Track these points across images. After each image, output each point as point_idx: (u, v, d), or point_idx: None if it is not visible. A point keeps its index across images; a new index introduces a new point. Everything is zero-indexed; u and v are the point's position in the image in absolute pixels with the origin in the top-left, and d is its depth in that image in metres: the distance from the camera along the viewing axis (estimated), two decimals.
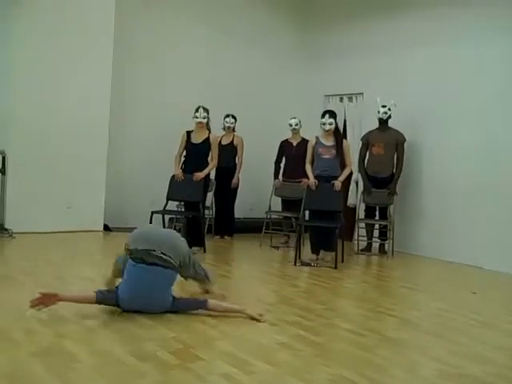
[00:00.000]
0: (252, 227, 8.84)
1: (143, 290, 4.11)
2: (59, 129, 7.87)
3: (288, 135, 8.59)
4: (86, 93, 8.03)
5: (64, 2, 7.87)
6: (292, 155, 8.39)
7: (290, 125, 8.48)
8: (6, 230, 7.38)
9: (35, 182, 7.71)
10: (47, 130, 7.79)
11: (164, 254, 4.21)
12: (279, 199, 8.62)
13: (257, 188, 9.35)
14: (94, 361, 3.27)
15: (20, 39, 7.65)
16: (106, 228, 8.42)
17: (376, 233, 8.31)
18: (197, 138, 7.50)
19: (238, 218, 8.96)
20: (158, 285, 4.16)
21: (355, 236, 8.28)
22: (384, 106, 7.98)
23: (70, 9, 7.90)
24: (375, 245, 8.25)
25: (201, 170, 7.31)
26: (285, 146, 8.57)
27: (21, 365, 3.14)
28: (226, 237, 8.67)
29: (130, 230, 8.09)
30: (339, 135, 7.35)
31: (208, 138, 7.48)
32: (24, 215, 7.59)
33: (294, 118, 8.52)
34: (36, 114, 7.69)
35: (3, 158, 7.60)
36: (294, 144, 8.46)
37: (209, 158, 7.50)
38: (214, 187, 8.48)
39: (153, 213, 6.98)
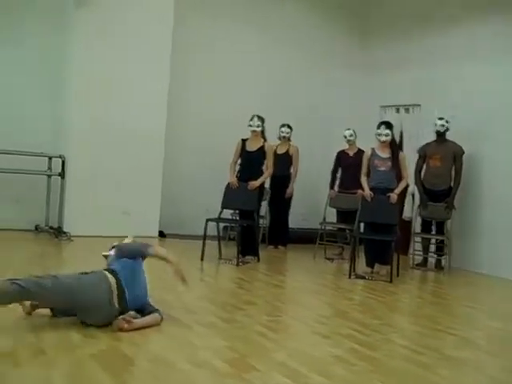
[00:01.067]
0: (306, 238, 8.77)
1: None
2: (118, 136, 8.01)
3: (344, 146, 8.52)
4: (144, 102, 8.16)
5: (123, 14, 8.03)
6: (349, 165, 8.30)
7: (345, 136, 8.42)
8: (65, 232, 7.55)
9: (93, 186, 7.86)
10: (106, 138, 7.94)
11: None
12: (334, 210, 8.54)
13: (311, 198, 9.29)
14: (148, 365, 3.29)
15: (81, 51, 7.87)
16: (161, 234, 8.51)
17: (432, 247, 8.13)
18: (251, 146, 7.52)
19: (292, 228, 8.91)
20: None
21: (411, 250, 8.13)
22: (441, 119, 7.83)
23: (130, 21, 8.07)
24: (431, 260, 8.08)
25: (256, 179, 7.31)
26: (341, 157, 8.50)
27: (80, 366, 3.19)
28: (279, 247, 8.64)
29: (185, 236, 8.31)
30: (395, 147, 7.24)
31: (263, 147, 7.49)
32: (81, 219, 7.74)
33: (349, 129, 8.45)
34: (96, 121, 7.85)
35: (63, 162, 7.79)
36: (351, 154, 8.39)
37: (264, 167, 7.50)
38: (268, 196, 8.47)
39: (207, 220, 7.02)
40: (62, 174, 7.82)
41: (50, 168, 7.87)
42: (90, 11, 7.81)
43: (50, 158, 7.84)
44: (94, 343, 3.56)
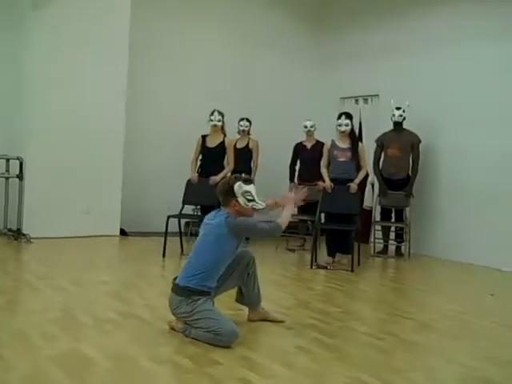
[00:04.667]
0: None
1: None
2: (75, 135, 7.91)
3: (303, 138, 8.56)
4: (102, 101, 8.06)
5: (79, 13, 7.91)
6: (307, 158, 8.35)
7: (305, 126, 8.44)
8: (24, 235, 7.44)
9: (52, 187, 7.75)
10: (63, 137, 7.83)
11: None
12: None
13: (272, 191, 9.29)
14: (110, 364, 3.28)
15: (37, 49, 7.73)
16: (123, 232, 8.46)
17: (392, 235, 8.26)
18: (212, 142, 7.53)
19: None
20: None
21: (371, 238, 8.25)
22: (398, 109, 7.94)
23: (86, 20, 7.93)
24: (391, 247, 8.21)
25: (217, 174, 7.32)
26: (299, 149, 8.54)
27: (40, 368, 3.17)
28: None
29: (147, 234, 8.27)
30: (355, 137, 7.34)
31: (223, 142, 7.51)
32: (41, 220, 7.64)
33: (309, 120, 8.50)
34: (52, 120, 7.74)
35: (21, 164, 7.67)
36: (309, 147, 8.43)
37: (225, 162, 7.50)
38: None
39: (169, 217, 7.00)
40: (20, 176, 7.69)
41: (7, 170, 7.73)
42: (45, 11, 7.68)
43: (8, 160, 7.71)
44: (53, 345, 3.54)
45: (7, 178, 7.74)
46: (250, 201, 3.95)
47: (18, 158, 7.67)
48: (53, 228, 7.64)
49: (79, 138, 7.93)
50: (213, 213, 4.12)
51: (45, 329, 3.84)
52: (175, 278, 3.97)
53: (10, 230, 7.69)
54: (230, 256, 3.99)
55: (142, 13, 8.56)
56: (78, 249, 7.24)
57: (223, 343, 3.64)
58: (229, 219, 3.91)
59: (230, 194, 3.97)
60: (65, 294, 4.88)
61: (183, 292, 3.82)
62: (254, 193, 3.97)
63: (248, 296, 4.24)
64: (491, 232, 7.54)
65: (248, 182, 4.01)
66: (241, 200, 3.95)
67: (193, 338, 3.74)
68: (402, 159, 7.96)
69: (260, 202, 3.97)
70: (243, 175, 4.21)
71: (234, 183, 3.97)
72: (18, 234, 7.50)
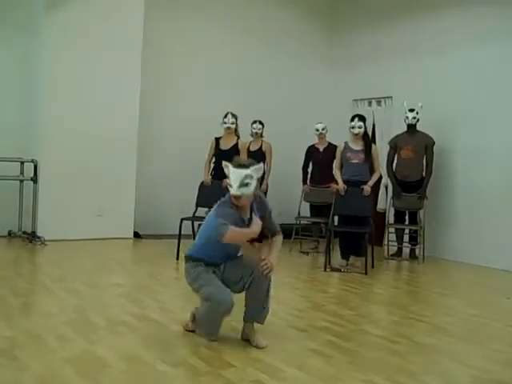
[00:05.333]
0: (281, 233, 8.78)
1: None
2: (90, 139, 7.94)
3: (315, 140, 8.55)
4: (116, 103, 8.11)
5: (91, 15, 7.96)
6: (319, 160, 8.34)
7: (317, 129, 8.44)
8: (38, 237, 7.48)
9: (66, 190, 7.79)
10: (77, 139, 7.87)
11: None
12: (308, 205, 8.59)
13: (286, 193, 9.32)
14: (124, 366, 3.29)
15: (51, 51, 7.78)
16: (137, 235, 8.48)
17: (406, 238, 8.21)
18: (225, 145, 7.53)
19: None
20: None
21: (385, 241, 8.20)
22: (412, 110, 7.89)
23: (100, 22, 7.99)
24: (405, 250, 8.16)
25: None
26: (311, 152, 8.53)
27: (54, 369, 3.18)
28: (255, 242, 8.65)
29: (160, 236, 8.29)
30: (368, 139, 7.32)
31: (236, 144, 7.52)
32: (55, 223, 7.68)
33: (321, 122, 8.48)
34: (67, 124, 7.77)
35: (35, 167, 7.72)
36: (321, 149, 8.41)
37: None
38: None
39: (182, 219, 7.01)
40: (34, 179, 7.74)
41: (22, 173, 7.79)
42: (58, 12, 7.73)
43: (22, 163, 7.76)
44: (68, 347, 3.55)
45: (22, 181, 7.80)
46: (230, 185, 3.89)
47: (32, 161, 7.72)
48: (67, 230, 7.68)
49: (93, 141, 7.97)
50: None
51: (59, 330, 3.86)
52: None
53: (24, 232, 7.74)
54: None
55: (156, 14, 8.59)
56: (92, 251, 7.27)
57: (214, 312, 3.70)
58: (219, 207, 3.88)
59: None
60: (79, 297, 4.91)
61: (187, 258, 3.96)
62: (236, 178, 3.78)
63: (246, 305, 3.94)
64: (508, 234, 7.46)
65: (240, 166, 3.85)
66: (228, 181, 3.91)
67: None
68: (416, 161, 7.91)
69: (234, 188, 3.79)
70: (239, 159, 4.17)
71: (229, 165, 3.90)
72: (32, 237, 7.55)
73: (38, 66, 7.92)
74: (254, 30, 9.66)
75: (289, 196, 9.11)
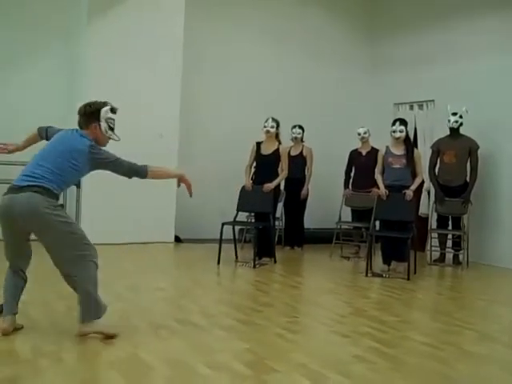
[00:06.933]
0: (322, 238, 8.77)
1: None
2: (129, 142, 7.93)
3: (358, 145, 8.49)
4: (157, 108, 8.21)
5: (132, 21, 8.10)
6: (361, 165, 8.29)
7: (359, 133, 8.39)
8: None
9: (108, 194, 7.88)
10: (120, 143, 7.91)
11: None
12: (349, 209, 8.52)
13: (327, 198, 9.28)
14: (167, 370, 3.30)
15: (93, 64, 7.95)
16: (178, 239, 8.54)
17: (449, 243, 8.07)
18: (266, 150, 7.52)
19: (308, 229, 8.89)
20: None
21: (428, 246, 8.08)
22: (455, 114, 7.76)
23: (139, 30, 8.13)
24: (449, 255, 8.02)
25: (271, 181, 7.31)
26: (354, 156, 8.48)
27: (99, 372, 3.22)
28: (296, 248, 8.63)
29: (201, 240, 8.33)
30: (410, 144, 7.22)
31: (277, 150, 7.49)
32: (97, 227, 7.75)
33: (363, 126, 8.43)
34: None
35: None
36: (364, 153, 8.36)
37: (279, 169, 7.49)
38: (283, 198, 8.46)
39: (223, 224, 7.03)
40: (77, 184, 7.86)
41: None
42: (101, 24, 7.91)
43: None
44: (112, 351, 3.59)
45: None
46: (110, 129, 3.85)
47: None
48: (108, 235, 7.75)
49: (133, 146, 7.99)
50: (69, 130, 3.98)
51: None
52: None
53: None
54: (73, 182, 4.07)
55: (196, 22, 8.66)
56: (134, 255, 7.35)
57: None
58: (94, 150, 3.87)
59: (94, 116, 3.88)
60: (122, 301, 4.95)
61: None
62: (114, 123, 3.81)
63: None
64: None
65: (114, 111, 3.95)
66: (103, 125, 3.87)
67: None
68: (459, 165, 7.77)
69: (117, 135, 3.79)
70: (111, 104, 4.10)
71: (102, 107, 3.87)
72: None
73: (78, 77, 8.09)
74: (294, 38, 9.73)
75: (330, 201, 9.07)
